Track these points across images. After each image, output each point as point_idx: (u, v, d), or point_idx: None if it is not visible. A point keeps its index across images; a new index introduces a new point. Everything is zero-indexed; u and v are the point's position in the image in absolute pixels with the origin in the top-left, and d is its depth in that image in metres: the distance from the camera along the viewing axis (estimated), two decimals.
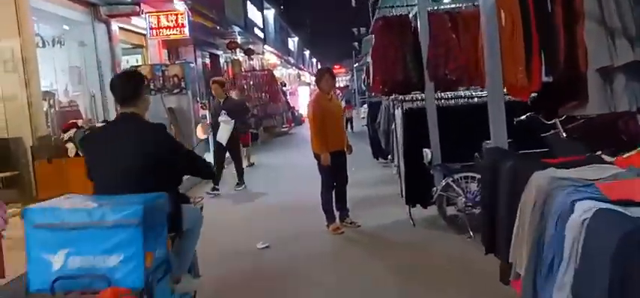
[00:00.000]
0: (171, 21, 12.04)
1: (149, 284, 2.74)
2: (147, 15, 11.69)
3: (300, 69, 43.55)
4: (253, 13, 23.18)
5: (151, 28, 11.98)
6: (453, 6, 6.12)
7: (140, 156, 3.19)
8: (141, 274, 2.70)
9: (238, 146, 9.68)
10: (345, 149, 6.28)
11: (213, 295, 4.49)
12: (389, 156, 9.65)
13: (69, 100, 9.90)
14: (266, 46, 25.54)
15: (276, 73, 25.18)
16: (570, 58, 3.34)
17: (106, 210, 2.73)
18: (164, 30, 12.02)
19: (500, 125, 3.66)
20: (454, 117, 5.90)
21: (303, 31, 47.16)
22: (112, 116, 10.24)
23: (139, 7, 10.75)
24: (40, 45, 9.59)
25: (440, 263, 4.95)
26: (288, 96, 25.29)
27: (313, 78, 34.05)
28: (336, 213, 6.27)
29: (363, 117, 20.60)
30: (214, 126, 9.08)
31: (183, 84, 11.42)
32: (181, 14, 12.06)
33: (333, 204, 6.26)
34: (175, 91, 11.20)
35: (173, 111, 11.00)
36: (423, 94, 6.37)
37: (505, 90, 3.77)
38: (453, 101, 6.23)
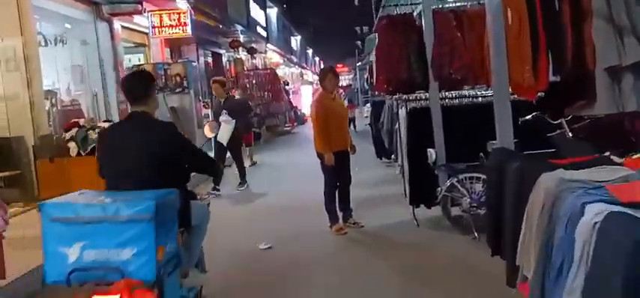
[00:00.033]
0: (174, 19, 12.01)
1: (160, 277, 2.84)
2: (149, 13, 11.66)
3: (302, 68, 43.51)
4: (256, 11, 23.13)
5: (154, 27, 11.96)
6: (457, 4, 6.06)
7: (150, 153, 3.30)
8: (153, 267, 2.79)
9: (239, 146, 9.64)
10: (349, 149, 6.23)
11: (215, 296, 4.46)
12: (392, 156, 9.61)
13: (71, 99, 9.88)
14: (269, 45, 25.50)
15: (279, 71, 25.14)
16: (578, 56, 3.28)
17: (120, 205, 2.82)
18: (166, 28, 11.99)
19: (507, 125, 3.61)
20: (458, 117, 5.85)
21: (306, 30, 47.07)
22: (114, 115, 10.24)
23: (142, 5, 10.71)
24: (43, 44, 9.57)
25: (444, 264, 4.90)
26: (290, 95, 25.25)
27: (316, 77, 34.04)
28: (340, 214, 6.23)
29: (366, 117, 20.58)
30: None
31: (185, 83, 11.39)
32: (184, 13, 12.03)
33: (337, 204, 6.21)
34: (178, 90, 11.18)
35: (175, 110, 10.97)
36: (427, 94, 6.34)
37: (511, 89, 3.71)
38: (457, 100, 6.19)
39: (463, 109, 5.96)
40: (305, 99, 29.06)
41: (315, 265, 5.19)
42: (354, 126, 18.50)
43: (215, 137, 9.06)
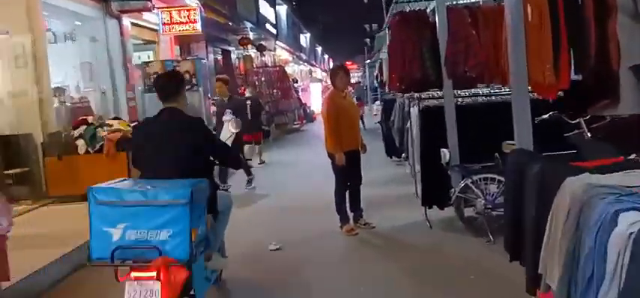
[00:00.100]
0: (183, 16, 11.96)
1: (193, 256, 3.15)
2: (159, 10, 11.61)
3: (312, 65, 43.42)
4: (265, 8, 23.07)
5: (163, 24, 11.92)
6: (472, 0, 5.92)
7: (181, 145, 3.62)
8: (187, 247, 3.09)
9: (241, 145, 9.50)
10: (360, 148, 6.12)
11: (224, 296, 4.43)
12: (403, 155, 9.49)
13: (80, 96, 9.85)
14: (278, 42, 25.45)
15: (288, 69, 25.07)
16: (601, 54, 3.14)
17: (159, 191, 3.15)
18: (176, 25, 11.94)
19: (526, 125, 3.48)
20: (472, 116, 5.72)
21: (315, 27, 46.99)
22: (123, 112, 10.20)
23: (151, 2, 10.66)
24: (52, 41, 9.56)
25: (457, 266, 4.78)
26: (299, 93, 25.16)
27: (325, 75, 34.15)
28: (350, 214, 6.11)
29: (376, 115, 20.43)
30: (218, 125, 8.90)
31: (194, 80, 11.32)
32: (193, 10, 11.98)
33: (347, 204, 6.10)
34: (187, 88, 11.08)
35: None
36: (439, 92, 6.21)
37: (530, 88, 3.57)
38: (470, 99, 6.05)
39: (477, 108, 5.83)
40: (314, 97, 28.96)
41: (325, 266, 5.09)
42: (363, 124, 18.36)
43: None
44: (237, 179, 9.32)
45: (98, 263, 3.17)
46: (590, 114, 3.81)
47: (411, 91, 6.40)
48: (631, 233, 1.73)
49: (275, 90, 19.09)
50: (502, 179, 5.08)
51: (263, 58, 22.70)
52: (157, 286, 3.01)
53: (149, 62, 11.71)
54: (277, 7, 27.04)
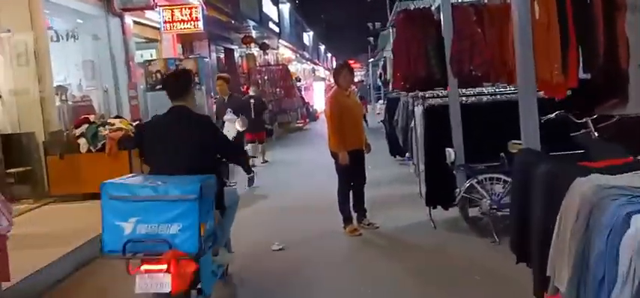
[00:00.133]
0: (186, 15, 11.91)
1: (202, 250, 3.25)
2: (161, 8, 11.56)
3: (315, 64, 43.37)
4: (268, 7, 23.03)
5: (165, 22, 11.87)
6: None
7: (189, 142, 3.72)
8: (196, 241, 3.19)
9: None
10: (364, 148, 6.07)
11: (230, 291, 4.43)
12: (406, 154, 9.43)
13: (82, 95, 9.83)
14: (281, 41, 25.40)
15: (291, 67, 25.03)
16: (610, 52, 3.11)
17: (169, 187, 3.25)
18: (178, 24, 11.89)
19: (533, 125, 3.42)
20: (477, 115, 5.66)
21: (319, 26, 46.94)
22: (125, 111, 10.17)
23: (153, 0, 10.61)
24: (54, 39, 9.54)
25: (462, 267, 4.73)
26: (302, 92, 25.11)
27: (328, 74, 34.06)
28: (354, 214, 6.06)
29: (379, 114, 20.36)
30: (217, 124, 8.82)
31: (197, 79, 11.26)
32: (195, 8, 11.92)
33: (351, 204, 6.04)
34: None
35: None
36: (443, 91, 6.15)
37: (537, 87, 3.52)
38: (475, 98, 5.99)
39: (482, 107, 5.77)
40: (317, 96, 28.90)
41: (328, 267, 5.04)
42: (366, 123, 18.29)
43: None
44: (238, 178, 9.27)
45: (110, 255, 3.28)
46: (598, 113, 3.76)
47: (415, 90, 6.34)
48: None
49: (278, 89, 19.04)
50: (508, 179, 5.03)
51: (266, 57, 22.66)
52: (168, 278, 3.11)
53: (151, 60, 11.66)
54: (280, 5, 26.99)
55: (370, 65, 36.04)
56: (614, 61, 3.07)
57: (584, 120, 4.62)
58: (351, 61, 9.23)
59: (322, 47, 53.59)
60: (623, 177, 2.30)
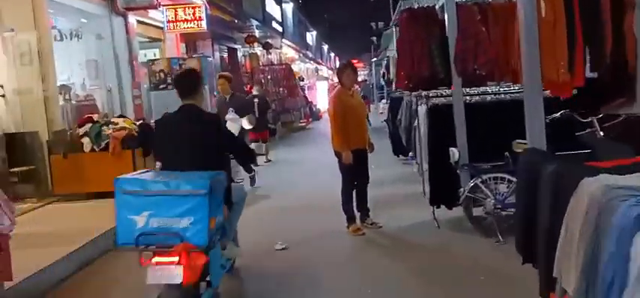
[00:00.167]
0: (189, 14, 11.90)
1: (212, 243, 3.41)
2: (164, 8, 11.55)
3: (318, 63, 43.33)
4: (271, 6, 23.01)
5: (168, 21, 11.86)
6: None
7: (198, 139, 3.84)
8: (206, 234, 3.31)
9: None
10: (367, 147, 6.04)
11: (233, 289, 4.47)
12: (410, 153, 9.40)
13: (85, 94, 9.83)
14: (284, 40, 25.38)
15: (294, 67, 24.98)
16: (617, 51, 3.07)
17: (181, 182, 3.37)
18: (181, 23, 11.88)
19: (538, 124, 3.38)
20: (481, 115, 5.63)
21: (322, 25, 46.91)
22: (129, 110, 10.17)
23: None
24: (58, 38, 9.54)
25: (467, 268, 4.70)
26: (306, 91, 25.08)
27: (331, 73, 33.95)
28: (357, 214, 6.04)
29: (382, 113, 20.32)
30: None
31: None
32: (199, 7, 11.91)
33: (354, 203, 6.02)
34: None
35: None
36: (447, 90, 6.12)
37: (543, 86, 3.48)
38: (479, 97, 5.95)
39: (486, 106, 5.73)
40: (320, 95, 28.87)
41: (331, 266, 5.02)
42: (369, 123, 18.23)
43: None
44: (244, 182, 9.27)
45: (124, 248, 3.40)
46: (604, 112, 3.73)
47: (419, 89, 6.31)
48: None
49: (281, 89, 19.01)
50: (512, 179, 5.00)
51: (269, 56, 22.64)
52: (179, 270, 3.20)
53: (155, 60, 11.66)
54: (283, 4, 26.96)
55: (373, 65, 36.02)
56: (621, 60, 3.04)
57: (590, 119, 4.59)
58: (354, 61, 9.19)
59: (325, 47, 53.51)
60: (632, 177, 2.27)
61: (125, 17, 10.48)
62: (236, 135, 6.90)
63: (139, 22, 11.11)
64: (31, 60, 7.86)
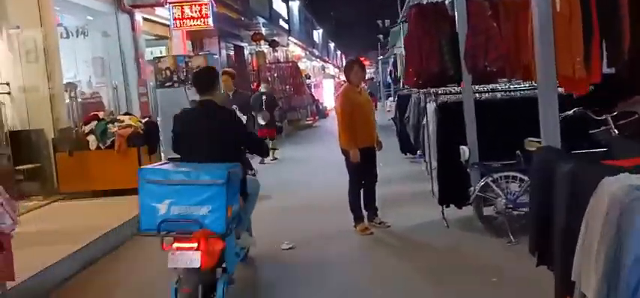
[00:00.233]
0: (195, 11, 11.83)
1: (228, 230, 3.58)
2: (170, 5, 11.50)
3: (324, 61, 43.24)
4: (278, 4, 22.93)
5: (175, 19, 11.80)
6: None
7: (215, 133, 4.07)
8: (223, 222, 3.49)
9: None
10: (375, 145, 5.95)
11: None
12: (418, 152, 9.30)
13: (91, 92, 9.80)
14: (291, 38, 25.30)
15: (301, 65, 24.92)
16: (635, 46, 2.96)
17: (200, 172, 3.58)
18: (188, 20, 11.81)
19: (553, 122, 3.28)
20: (491, 112, 5.53)
21: (328, 23, 46.76)
22: (135, 108, 10.14)
23: None
24: (64, 35, 9.51)
25: (477, 268, 4.60)
26: (312, 89, 25.01)
27: (338, 71, 33.86)
28: (365, 213, 5.95)
29: (389, 111, 20.20)
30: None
31: None
32: (205, 5, 11.84)
33: (361, 202, 5.93)
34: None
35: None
36: (456, 87, 6.02)
37: (558, 82, 3.38)
38: (489, 94, 5.85)
39: (496, 104, 5.63)
40: (327, 93, 28.80)
41: (339, 266, 4.94)
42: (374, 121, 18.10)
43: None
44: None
45: (146, 233, 3.60)
46: (620, 109, 3.63)
47: (428, 87, 6.20)
48: None
49: (288, 87, 18.95)
50: (524, 177, 4.90)
51: (276, 54, 22.58)
52: (198, 255, 3.39)
53: (161, 57, 11.61)
54: (290, 2, 26.87)
55: (380, 62, 35.88)
56: (639, 56, 2.93)
57: (604, 117, 4.48)
58: (360, 58, 9.06)
59: (332, 44, 53.40)
60: None
61: (131, 15, 10.45)
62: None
63: (145, 19, 11.08)
64: (37, 57, 7.83)
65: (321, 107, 25.74)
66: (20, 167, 7.52)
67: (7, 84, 7.78)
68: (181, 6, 11.72)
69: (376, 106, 19.35)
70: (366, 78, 28.06)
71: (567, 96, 4.08)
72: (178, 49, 12.51)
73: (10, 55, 7.81)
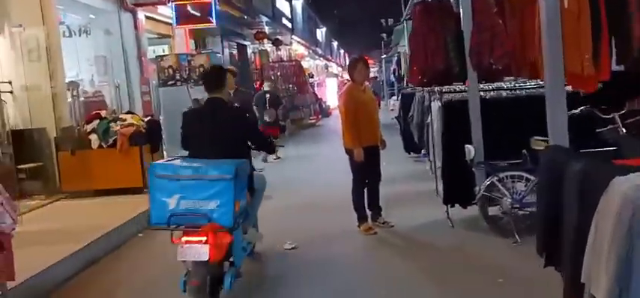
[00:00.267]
0: (198, 10, 11.78)
1: (236, 224, 3.70)
2: (173, 3, 11.47)
3: (327, 60, 43.19)
4: (281, 2, 22.87)
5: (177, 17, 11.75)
6: None
7: (223, 131, 4.17)
8: (231, 216, 3.60)
9: None
10: (379, 144, 5.90)
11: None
12: (422, 151, 9.24)
13: (94, 91, 9.78)
14: (294, 37, 25.26)
15: (304, 64, 24.88)
16: None
17: (209, 168, 3.67)
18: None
19: (561, 120, 3.22)
20: (497, 111, 5.47)
21: (331, 22, 46.68)
22: (137, 106, 10.11)
23: None
24: (66, 34, 9.49)
25: (483, 269, 4.55)
26: (315, 88, 24.96)
27: (341, 70, 33.87)
28: (368, 212, 5.90)
29: (392, 110, 20.14)
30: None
31: None
32: (208, 3, 11.80)
33: (365, 202, 5.88)
34: (201, 82, 10.92)
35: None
36: (461, 85, 5.96)
37: (566, 80, 3.32)
38: (494, 92, 5.79)
39: (502, 102, 5.57)
40: (330, 92, 28.75)
41: (342, 266, 4.90)
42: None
43: None
44: None
45: (156, 227, 3.71)
46: (629, 108, 3.57)
47: (432, 85, 6.14)
48: None
49: (291, 85, 18.91)
50: (530, 177, 4.85)
51: (279, 53, 22.54)
52: (206, 248, 3.48)
53: (163, 56, 11.58)
54: (293, 1, 26.81)
55: (383, 61, 35.82)
56: None
57: (612, 115, 4.42)
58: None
59: (335, 43, 53.32)
60: None
61: (134, 13, 10.42)
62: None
63: (147, 17, 11.05)
64: (39, 56, 7.81)
65: (324, 106, 25.69)
66: (22, 166, 7.49)
67: (10, 82, 7.75)
68: (184, 4, 11.68)
69: (379, 105, 19.27)
70: (371, 76, 28.00)
71: (574, 94, 4.02)
72: (181, 47, 12.48)
73: (12, 53, 7.79)
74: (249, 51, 19.49)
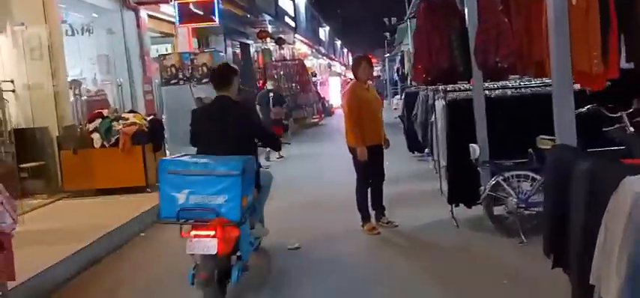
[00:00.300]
0: (201, 9, 11.75)
1: (243, 218, 3.80)
2: (176, 2, 11.44)
3: (331, 59, 43.14)
4: (284, 1, 22.81)
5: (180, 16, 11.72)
6: None
7: (231, 128, 4.28)
8: (238, 211, 3.70)
9: None
10: (383, 143, 5.85)
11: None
12: (425, 150, 9.19)
13: (96, 89, 9.77)
14: (297, 36, 25.20)
15: (307, 63, 24.85)
16: None
17: (217, 164, 3.80)
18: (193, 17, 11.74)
19: (569, 119, 3.17)
20: (502, 109, 5.40)
21: (335, 21, 46.63)
22: (140, 105, 10.09)
23: None
24: (69, 33, 9.47)
25: (488, 269, 4.50)
26: (318, 87, 24.92)
27: (344, 69, 33.81)
28: (372, 212, 5.85)
29: (395, 109, 20.07)
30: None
31: None
32: (211, 1, 11.77)
33: (369, 201, 5.84)
34: (204, 81, 10.87)
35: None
36: (466, 84, 5.90)
37: (573, 78, 3.26)
38: (500, 91, 5.73)
39: (507, 101, 5.51)
40: (333, 91, 28.71)
41: (346, 266, 4.85)
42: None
43: None
44: None
45: (166, 221, 3.83)
46: (636, 106, 3.51)
47: (437, 83, 6.09)
48: None
49: (294, 84, 18.88)
50: (536, 176, 4.79)
51: (282, 52, 22.50)
52: (214, 242, 3.57)
53: (166, 55, 11.56)
54: None
55: (386, 60, 35.75)
56: None
57: (619, 114, 4.36)
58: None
59: (338, 42, 53.26)
60: None
61: (136, 12, 10.40)
62: None
63: (150, 16, 11.03)
64: (42, 55, 7.79)
65: (327, 105, 25.65)
66: (24, 165, 7.48)
67: (12, 81, 7.74)
68: (187, 3, 11.65)
69: (383, 104, 19.23)
70: (374, 75, 27.94)
71: (580, 92, 3.97)
72: (184, 46, 12.45)
73: (15, 52, 7.77)
74: (252, 50, 19.46)
